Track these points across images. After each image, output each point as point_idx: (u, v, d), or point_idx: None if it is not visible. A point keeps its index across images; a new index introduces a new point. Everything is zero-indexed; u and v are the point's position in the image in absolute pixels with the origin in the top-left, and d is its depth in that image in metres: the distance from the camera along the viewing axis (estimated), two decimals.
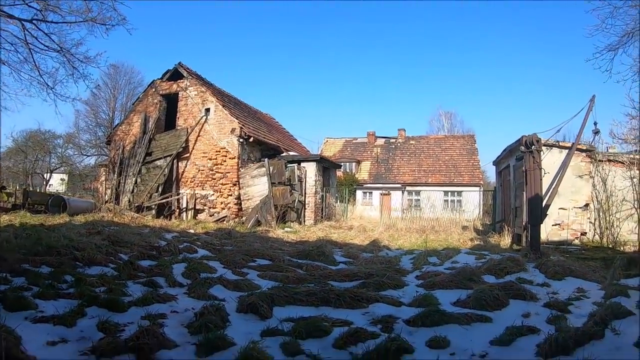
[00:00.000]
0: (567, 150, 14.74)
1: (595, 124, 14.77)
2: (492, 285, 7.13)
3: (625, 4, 14.12)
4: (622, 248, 13.36)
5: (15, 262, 6.98)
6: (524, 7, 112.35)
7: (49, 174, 52.94)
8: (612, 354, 4.23)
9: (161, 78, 25.60)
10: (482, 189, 41.66)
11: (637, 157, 14.63)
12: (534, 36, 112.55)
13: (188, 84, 24.65)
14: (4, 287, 5.69)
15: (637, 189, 12.49)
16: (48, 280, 6.33)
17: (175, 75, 25.29)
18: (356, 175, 45.09)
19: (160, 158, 24.05)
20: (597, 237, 15.15)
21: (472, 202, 39.13)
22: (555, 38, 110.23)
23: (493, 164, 23.67)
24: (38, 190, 35.18)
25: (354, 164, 46.70)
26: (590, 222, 15.36)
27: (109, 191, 24.41)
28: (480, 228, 23.19)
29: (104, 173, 26.42)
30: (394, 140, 50.27)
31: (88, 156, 54.44)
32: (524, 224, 13.67)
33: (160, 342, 4.35)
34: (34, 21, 13.94)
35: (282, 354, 4.42)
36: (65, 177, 55.74)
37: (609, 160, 15.70)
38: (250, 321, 5.46)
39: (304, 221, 22.71)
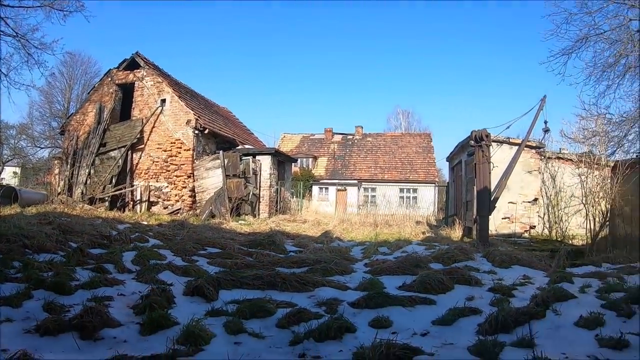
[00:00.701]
0: (517, 147, 15.10)
1: (545, 122, 15.17)
2: (437, 270, 7.27)
3: (581, 10, 14.61)
4: (570, 241, 13.75)
5: None
6: (480, 8, 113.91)
7: (1, 167, 51.43)
8: (552, 332, 4.33)
9: (118, 67, 25.16)
10: (437, 186, 42.26)
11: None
12: (489, 37, 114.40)
13: (145, 74, 24.33)
14: None
15: (585, 186, 12.91)
16: None
17: (132, 64, 24.91)
18: (313, 171, 45.15)
19: (115, 149, 23.65)
20: (546, 230, 15.58)
21: (427, 198, 39.74)
22: (511, 40, 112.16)
23: (446, 160, 24.09)
24: None
25: (310, 159, 46.74)
26: (539, 216, 15.78)
27: (62, 183, 23.88)
28: (434, 223, 23.57)
29: (57, 165, 25.81)
30: (351, 136, 50.44)
31: (42, 148, 52.93)
32: (474, 217, 13.98)
33: (105, 321, 4.34)
34: None
35: (225, 332, 4.46)
36: (18, 170, 54.15)
37: (559, 158, 16.18)
38: (196, 303, 5.48)
39: (259, 214, 22.68)
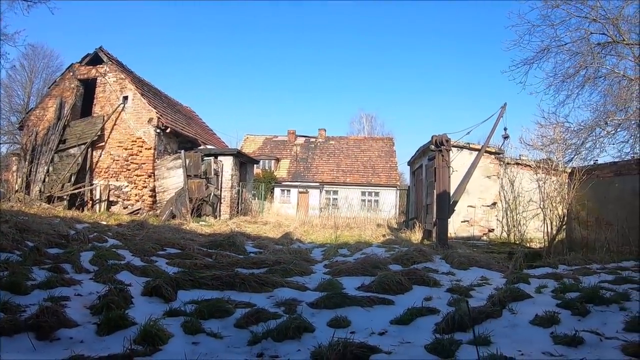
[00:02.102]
0: (476, 152, 15.40)
1: (505, 129, 15.48)
2: (396, 272, 7.31)
3: (544, 22, 15.01)
4: (528, 244, 14.07)
5: None
6: (444, 15, 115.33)
7: None
8: (508, 331, 4.45)
9: (80, 62, 24.75)
10: (398, 190, 42.60)
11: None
12: (453, 46, 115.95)
13: (107, 69, 24.02)
14: None
15: (543, 191, 13.23)
16: None
17: (95, 59, 24.54)
18: (275, 173, 45.05)
19: (75, 146, 23.25)
20: (504, 234, 15.88)
21: (389, 202, 40.03)
22: (474, 49, 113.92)
23: (407, 164, 24.36)
24: None
25: (273, 161, 46.60)
26: (498, 219, 16.07)
27: (19, 180, 23.38)
28: (395, 226, 23.78)
29: (15, 162, 25.24)
30: (314, 139, 50.53)
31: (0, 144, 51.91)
32: (434, 220, 14.18)
33: (61, 321, 4.30)
34: None
35: (183, 332, 4.45)
36: None
37: (518, 164, 16.52)
38: (154, 304, 5.44)
39: (220, 215, 22.62)
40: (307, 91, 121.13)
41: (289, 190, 43.29)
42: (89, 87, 24.87)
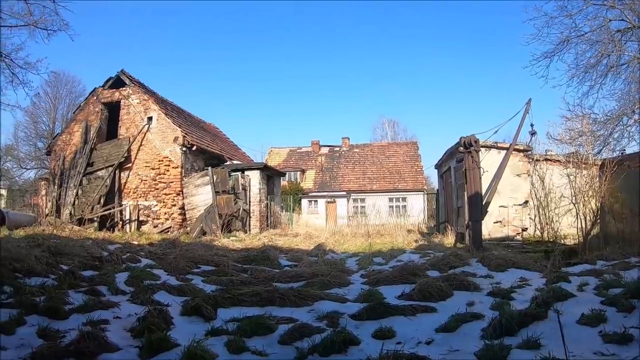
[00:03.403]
0: (505, 151, 15.19)
1: (531, 125, 15.28)
2: (435, 278, 7.26)
3: (561, 13, 14.75)
4: (562, 241, 13.79)
5: None
6: (462, 15, 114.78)
7: None
8: (556, 332, 4.37)
9: (103, 86, 24.93)
10: (425, 194, 42.37)
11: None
12: (471, 44, 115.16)
13: (130, 91, 24.17)
14: None
15: (574, 185, 12.97)
16: None
17: (117, 83, 24.71)
18: (301, 184, 45.08)
19: (102, 168, 23.43)
20: (537, 232, 15.57)
21: (417, 206, 39.80)
22: (493, 46, 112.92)
23: (435, 168, 24.15)
24: None
25: (298, 173, 46.67)
26: (530, 218, 15.79)
27: (49, 204, 23.60)
28: (425, 231, 23.60)
29: (44, 187, 25.53)
30: (338, 148, 50.52)
31: (28, 169, 52.59)
32: (466, 222, 13.98)
33: (102, 345, 4.26)
34: None
35: (227, 352, 4.38)
36: (4, 192, 53.61)
37: (547, 159, 16.24)
38: (195, 323, 5.42)
39: (250, 230, 22.57)
40: (328, 101, 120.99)
41: (316, 201, 43.28)
42: (113, 110, 25.04)
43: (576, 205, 12.39)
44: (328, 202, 42.84)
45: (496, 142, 16.14)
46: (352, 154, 49.13)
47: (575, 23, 14.62)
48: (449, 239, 15.79)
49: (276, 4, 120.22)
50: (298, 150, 51.94)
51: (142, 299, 6.34)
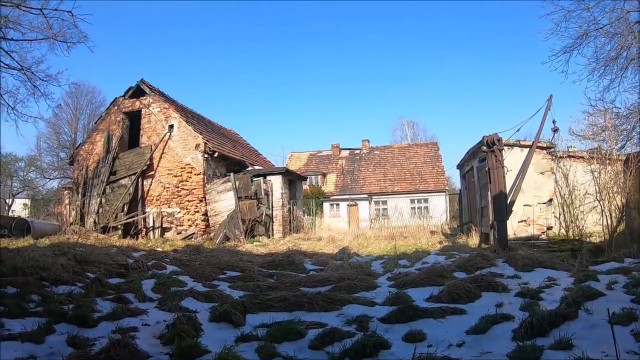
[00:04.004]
0: (527, 149, 15.02)
1: (554, 122, 15.09)
2: (463, 279, 7.22)
3: (579, 7, 14.55)
4: (588, 239, 13.62)
5: None
6: (478, 13, 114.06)
7: (11, 199, 51.55)
8: (587, 332, 4.34)
9: (123, 96, 25.17)
10: (447, 194, 42.10)
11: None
12: (488, 42, 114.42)
13: (151, 100, 24.34)
14: None
15: (598, 182, 12.77)
16: (14, 299, 6.13)
17: (137, 92, 24.92)
18: (322, 188, 45.02)
19: (125, 177, 23.62)
20: (563, 230, 15.39)
21: (439, 207, 39.50)
22: (511, 43, 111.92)
23: (457, 168, 23.95)
24: (0, 214, 34.27)
25: (319, 176, 46.65)
26: (555, 216, 15.61)
27: (73, 212, 23.84)
28: (448, 232, 23.45)
29: (67, 196, 25.78)
30: (358, 151, 50.35)
31: (51, 179, 53.24)
32: (490, 222, 13.87)
33: (133, 353, 4.28)
34: None
35: (258, 358, 4.40)
36: (28, 202, 54.36)
37: (570, 156, 16.05)
38: (224, 329, 5.42)
39: (273, 234, 22.59)
40: (347, 104, 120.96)
41: (338, 204, 43.19)
42: (134, 119, 25.24)
43: (601, 202, 12.21)
44: (350, 205, 42.73)
45: (518, 140, 15.97)
46: (372, 156, 48.97)
47: (594, 16, 14.42)
48: (474, 240, 15.66)
49: (293, 9, 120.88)
50: (318, 154, 51.87)
51: (169, 306, 6.37)
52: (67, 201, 25.57)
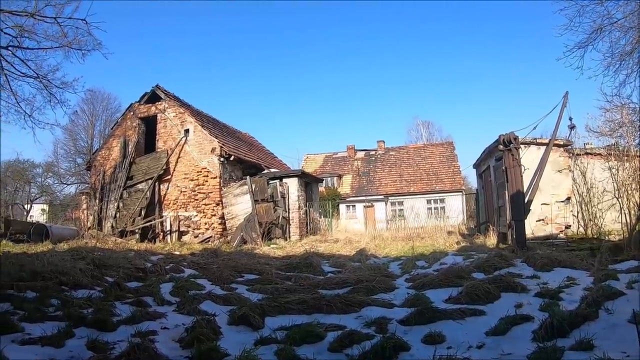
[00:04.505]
0: (544, 147, 14.87)
1: (570, 119, 14.93)
2: (482, 280, 7.18)
3: (592, 1, 14.40)
4: (607, 237, 13.47)
5: None
6: (492, 11, 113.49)
7: (29, 205, 52.17)
8: (608, 332, 4.30)
9: (139, 101, 25.36)
10: (464, 194, 41.88)
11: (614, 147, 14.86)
12: (504, 39, 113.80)
13: (166, 105, 24.48)
14: None
15: (616, 179, 12.63)
16: (34, 304, 6.16)
17: (153, 97, 25.09)
18: (338, 190, 45.01)
19: (142, 181, 23.80)
20: (581, 229, 15.25)
21: (456, 207, 39.34)
22: (525, 39, 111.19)
23: (473, 167, 23.81)
24: (19, 220, 34.64)
25: (335, 178, 46.63)
26: (573, 215, 15.47)
27: (91, 217, 24.06)
28: (466, 232, 23.30)
29: (85, 201, 26.07)
30: (373, 152, 50.27)
31: (68, 184, 53.90)
32: (508, 222, 13.76)
33: (152, 357, 4.30)
34: (9, 48, 13.86)
35: None
36: (45, 207, 54.98)
37: (587, 154, 15.90)
38: (243, 332, 5.43)
39: (290, 237, 22.60)
40: (362, 105, 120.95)
41: (354, 206, 43.15)
42: (150, 124, 25.41)
43: (619, 200, 12.08)
44: (366, 207, 42.67)
45: (535, 138, 15.85)
46: (388, 157, 48.86)
47: (608, 10, 14.22)
48: (491, 240, 15.56)
49: (308, 13, 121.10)
50: (334, 156, 51.85)
51: (188, 309, 6.39)
52: (84, 206, 25.83)
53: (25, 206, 52.05)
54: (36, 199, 54.60)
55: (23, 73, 14.29)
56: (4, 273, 8.08)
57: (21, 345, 4.59)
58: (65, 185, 54.39)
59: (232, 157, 23.30)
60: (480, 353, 4.33)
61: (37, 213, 52.68)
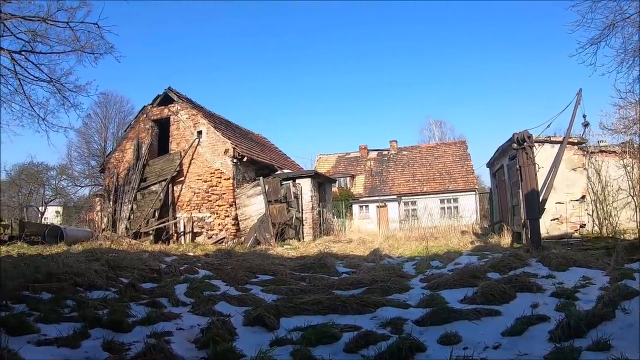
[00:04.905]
0: (558, 145, 14.81)
1: (584, 116, 14.86)
2: (497, 280, 7.16)
3: None
4: (622, 236, 13.37)
5: (14, 290, 6.89)
6: (503, 10, 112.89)
7: (43, 207, 52.62)
8: (625, 332, 4.28)
9: (152, 103, 25.49)
10: (477, 194, 41.64)
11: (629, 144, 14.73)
12: (516, 37, 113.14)
13: (179, 107, 24.59)
14: (5, 314, 5.60)
15: (631, 177, 12.52)
16: (49, 305, 6.21)
17: (165, 100, 25.21)
18: (351, 190, 44.92)
19: (155, 183, 23.93)
20: (596, 227, 15.15)
21: (469, 207, 39.12)
22: (538, 37, 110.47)
23: (487, 166, 23.72)
24: (34, 222, 34.89)
25: (348, 178, 46.58)
26: (588, 213, 15.35)
27: (105, 219, 24.22)
28: (480, 231, 23.19)
29: (99, 203, 26.21)
30: (386, 152, 50.16)
31: (82, 187, 54.29)
32: (522, 221, 13.70)
33: (168, 358, 4.33)
34: (22, 52, 13.96)
35: None
36: (60, 209, 55.48)
37: (602, 151, 15.77)
38: (258, 333, 5.44)
39: (303, 237, 22.60)
40: (374, 105, 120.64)
41: (367, 206, 43.08)
42: (163, 126, 25.55)
43: (634, 198, 11.99)
44: (379, 207, 42.58)
45: (549, 137, 15.76)
46: (400, 157, 48.72)
47: (620, 5, 14.10)
48: (506, 239, 15.46)
49: (320, 15, 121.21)
50: (346, 156, 51.78)
51: (203, 310, 6.41)
52: (98, 208, 25.96)
53: (40, 208, 52.52)
54: (50, 202, 55.12)
55: (36, 77, 14.39)
56: (21, 276, 8.14)
57: (37, 346, 4.63)
58: (79, 188, 54.88)
59: (245, 158, 23.34)
60: (496, 353, 4.32)
61: (52, 215, 53.18)
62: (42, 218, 50.05)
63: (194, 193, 23.62)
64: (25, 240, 20.83)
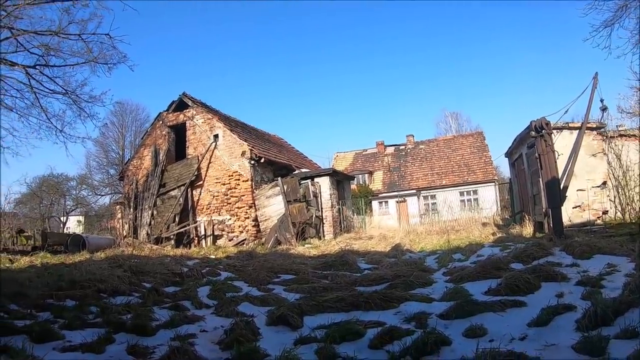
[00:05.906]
0: (577, 131, 14.61)
1: (601, 100, 14.67)
2: (521, 270, 7.09)
3: None
4: None
5: (38, 298, 6.98)
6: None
7: (65, 217, 53.14)
8: None
9: (167, 110, 25.66)
10: (497, 184, 41.32)
11: None
12: (528, 24, 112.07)
13: (194, 112, 24.74)
14: (30, 322, 5.65)
15: None
16: (73, 312, 6.27)
17: (180, 105, 25.37)
18: (370, 186, 44.83)
19: (174, 188, 24.06)
20: (619, 214, 14.94)
21: (489, 198, 38.89)
22: (550, 23, 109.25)
23: (505, 156, 23.49)
24: (56, 232, 35.23)
25: (366, 175, 46.47)
26: (610, 199, 15.14)
27: (126, 226, 24.44)
28: (501, 222, 23.06)
29: (119, 210, 26.50)
30: (403, 147, 50.01)
31: (102, 195, 54.99)
32: (544, 210, 13.54)
33: None
34: (37, 67, 14.16)
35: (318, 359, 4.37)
36: (81, 218, 56.10)
37: (621, 135, 15.54)
38: (282, 332, 5.44)
39: (324, 236, 22.59)
40: (389, 101, 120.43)
41: (387, 202, 42.94)
42: (179, 132, 25.71)
43: None
44: (398, 202, 42.43)
45: (567, 123, 15.54)
46: (418, 151, 48.51)
47: None
48: (527, 229, 15.34)
49: (335, 15, 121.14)
50: (364, 153, 51.70)
51: (226, 311, 6.44)
52: (119, 215, 26.23)
53: (62, 219, 53.02)
54: (72, 211, 55.69)
55: (52, 90, 14.60)
56: (45, 284, 8.22)
57: (62, 352, 4.67)
58: (100, 197, 55.64)
59: (263, 159, 23.38)
60: (523, 345, 4.24)
61: (74, 225, 53.78)
62: (64, 228, 50.52)
63: (213, 196, 23.73)
64: (48, 250, 21.00)
